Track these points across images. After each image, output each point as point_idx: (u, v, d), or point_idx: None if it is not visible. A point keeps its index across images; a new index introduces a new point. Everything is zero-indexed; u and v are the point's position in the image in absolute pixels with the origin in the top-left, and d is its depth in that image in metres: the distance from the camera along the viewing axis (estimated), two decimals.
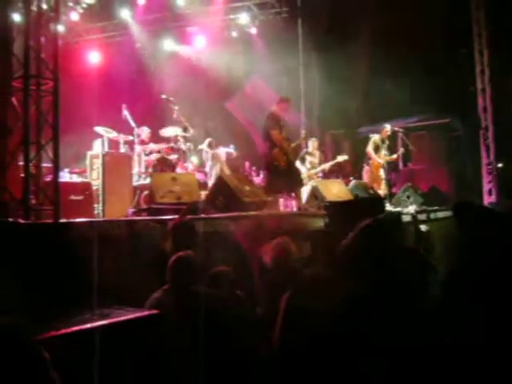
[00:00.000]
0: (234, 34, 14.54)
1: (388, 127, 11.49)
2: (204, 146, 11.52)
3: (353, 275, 3.35)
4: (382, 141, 11.46)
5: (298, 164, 10.99)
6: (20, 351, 2.01)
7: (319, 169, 11.36)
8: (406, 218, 7.90)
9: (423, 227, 7.07)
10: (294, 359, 3.24)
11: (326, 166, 11.50)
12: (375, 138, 11.48)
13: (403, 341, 3.30)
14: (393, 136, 11.64)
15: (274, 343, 3.37)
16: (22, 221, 5.66)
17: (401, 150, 11.45)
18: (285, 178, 8.75)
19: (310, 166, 11.23)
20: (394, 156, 11.47)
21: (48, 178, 6.77)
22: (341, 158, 11.55)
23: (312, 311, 3.13)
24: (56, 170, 6.37)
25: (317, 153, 11.53)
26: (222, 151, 11.93)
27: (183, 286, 3.96)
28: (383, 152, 11.38)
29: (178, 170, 10.31)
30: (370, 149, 11.42)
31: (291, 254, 4.34)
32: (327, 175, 11.90)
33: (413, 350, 3.35)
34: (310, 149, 11.41)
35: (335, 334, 3.09)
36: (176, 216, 5.80)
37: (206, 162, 11.50)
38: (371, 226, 3.73)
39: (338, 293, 3.20)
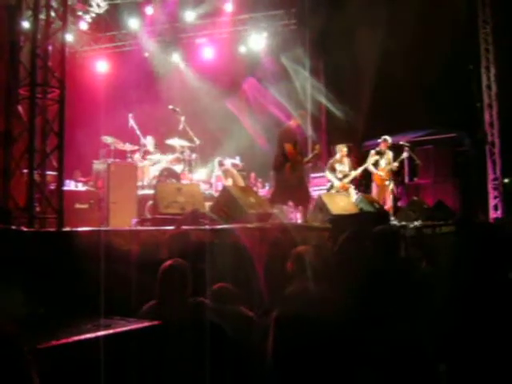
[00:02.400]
0: (242, 45, 14.59)
1: (387, 138, 11.33)
2: (215, 168, 11.66)
3: (340, 288, 3.33)
4: (379, 153, 11.27)
5: (328, 174, 10.90)
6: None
7: (351, 176, 10.93)
8: (411, 232, 7.85)
9: (427, 241, 7.03)
10: (286, 373, 3.20)
11: (358, 171, 11.06)
12: (372, 152, 11.35)
13: (396, 349, 3.27)
14: (395, 147, 11.51)
15: (267, 359, 3.34)
16: (25, 228, 5.65)
17: (395, 163, 11.19)
18: (293, 191, 8.72)
19: (341, 176, 10.85)
20: (393, 165, 11.21)
21: (53, 187, 6.77)
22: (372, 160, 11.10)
23: (300, 326, 3.10)
24: (60, 178, 6.37)
25: (346, 160, 11.08)
26: (228, 162, 11.95)
27: (172, 297, 3.89)
28: (384, 164, 11.21)
29: (184, 180, 10.30)
30: (368, 164, 11.16)
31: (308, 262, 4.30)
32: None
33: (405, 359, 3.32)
34: (338, 156, 11.01)
35: (324, 346, 3.05)
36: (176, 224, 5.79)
37: (222, 179, 11.56)
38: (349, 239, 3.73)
39: (326, 307, 3.17)
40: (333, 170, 10.89)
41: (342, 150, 11.11)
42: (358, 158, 11.94)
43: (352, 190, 10.86)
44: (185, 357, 3.65)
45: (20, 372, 2.04)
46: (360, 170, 11.08)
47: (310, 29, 14.07)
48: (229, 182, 11.24)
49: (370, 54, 12.54)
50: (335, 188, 10.74)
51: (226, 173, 11.49)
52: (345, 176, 10.89)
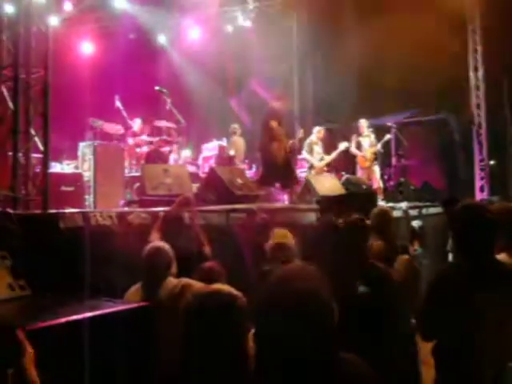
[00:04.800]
0: (229, 25, 14.45)
1: (364, 121, 11.39)
2: (230, 131, 11.97)
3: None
4: (361, 136, 11.31)
5: (305, 155, 10.86)
6: None
7: (326, 160, 10.93)
8: (398, 214, 7.89)
9: (417, 222, 7.06)
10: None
11: (333, 156, 11.02)
12: (354, 135, 11.37)
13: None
14: (382, 129, 11.56)
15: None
16: (10, 211, 5.60)
17: (379, 145, 11.22)
18: (280, 173, 8.72)
19: (319, 158, 10.84)
20: (377, 146, 11.25)
21: (39, 169, 6.70)
22: (342, 146, 11.05)
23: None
24: (46, 159, 6.31)
25: (320, 143, 11.09)
26: (215, 144, 11.94)
27: (157, 278, 3.89)
28: (367, 146, 11.20)
29: (170, 162, 10.27)
30: (352, 147, 11.23)
31: (288, 245, 4.29)
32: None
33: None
34: (315, 138, 10.95)
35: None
36: (167, 208, 5.76)
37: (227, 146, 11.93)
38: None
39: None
40: (311, 151, 10.85)
41: (319, 131, 11.10)
42: (346, 139, 11.90)
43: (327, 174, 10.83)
44: (170, 337, 3.66)
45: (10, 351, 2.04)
46: (334, 154, 11.05)
47: (297, 10, 13.98)
48: (229, 152, 11.65)
49: (357, 36, 12.48)
50: (315, 168, 10.69)
51: (233, 143, 11.86)
52: (321, 159, 10.91)
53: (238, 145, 12.02)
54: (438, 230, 7.87)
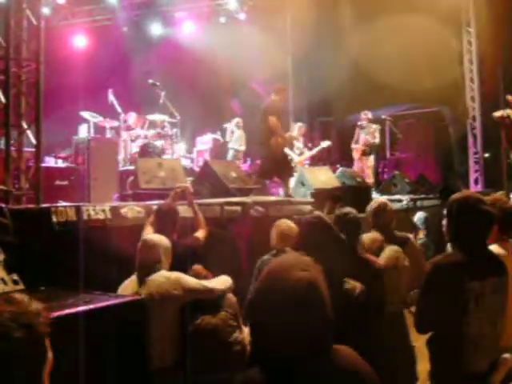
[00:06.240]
0: (222, 19, 14.38)
1: (367, 113, 11.44)
2: (232, 125, 12.13)
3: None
4: (362, 128, 11.39)
5: (286, 150, 10.95)
6: None
7: (306, 155, 11.28)
8: (396, 206, 7.90)
9: (422, 213, 7.07)
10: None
11: (313, 152, 11.43)
12: (357, 129, 11.50)
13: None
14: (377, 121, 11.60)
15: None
16: (2, 205, 5.55)
17: (368, 136, 11.29)
18: (278, 166, 8.71)
19: (298, 152, 11.13)
20: (367, 137, 11.30)
21: (32, 163, 6.64)
22: (324, 144, 11.43)
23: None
24: (38, 153, 6.25)
25: (301, 139, 11.45)
26: (209, 137, 11.91)
27: (150, 271, 3.87)
28: (365, 137, 11.27)
29: (164, 155, 10.22)
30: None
31: (292, 236, 4.35)
32: (316, 162, 11.85)
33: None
34: (296, 134, 11.27)
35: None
36: (162, 201, 5.73)
37: (229, 141, 12.12)
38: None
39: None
40: (291, 146, 11.02)
41: (300, 128, 11.54)
42: (340, 132, 11.94)
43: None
44: (162, 330, 3.65)
45: None
46: (315, 150, 11.46)
47: (291, 3, 13.93)
48: (237, 146, 11.93)
49: (353, 31, 12.46)
50: (294, 163, 10.78)
51: (240, 138, 12.06)
52: (301, 153, 11.22)
53: (243, 139, 12.16)
54: (434, 221, 7.89)
